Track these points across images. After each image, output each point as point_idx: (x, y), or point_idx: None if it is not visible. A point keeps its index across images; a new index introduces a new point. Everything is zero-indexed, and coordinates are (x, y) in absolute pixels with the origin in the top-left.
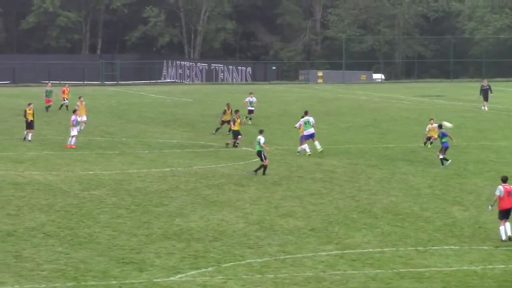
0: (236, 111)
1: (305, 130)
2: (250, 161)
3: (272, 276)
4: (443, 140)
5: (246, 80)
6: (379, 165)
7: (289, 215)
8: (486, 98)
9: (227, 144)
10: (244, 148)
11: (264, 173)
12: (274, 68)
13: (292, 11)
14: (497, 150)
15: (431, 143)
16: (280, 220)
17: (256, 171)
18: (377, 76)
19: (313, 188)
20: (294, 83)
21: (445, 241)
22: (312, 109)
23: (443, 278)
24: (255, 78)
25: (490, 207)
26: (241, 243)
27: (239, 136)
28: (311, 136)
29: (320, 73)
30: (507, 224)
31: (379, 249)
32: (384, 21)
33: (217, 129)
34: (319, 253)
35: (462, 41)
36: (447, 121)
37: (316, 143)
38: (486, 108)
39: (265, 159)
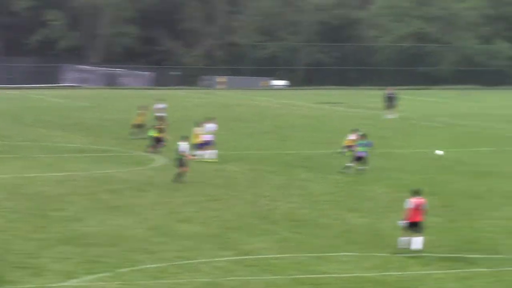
0: (161, 118)
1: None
2: (149, 166)
3: (169, 281)
4: (360, 149)
5: (148, 85)
6: (279, 171)
7: (187, 220)
8: (391, 106)
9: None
10: (143, 154)
11: (176, 180)
12: (176, 73)
13: (195, 17)
14: (397, 158)
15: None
16: (178, 226)
17: (176, 179)
18: (280, 83)
19: (213, 194)
20: (196, 88)
21: (343, 247)
22: (214, 115)
23: (340, 284)
24: (157, 83)
25: (401, 222)
26: (139, 248)
27: (161, 143)
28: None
29: (222, 79)
30: (418, 238)
31: (277, 255)
32: (286, 28)
33: (134, 133)
34: (217, 259)
35: (363, 48)
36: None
37: (208, 152)
38: (391, 116)
39: (183, 166)
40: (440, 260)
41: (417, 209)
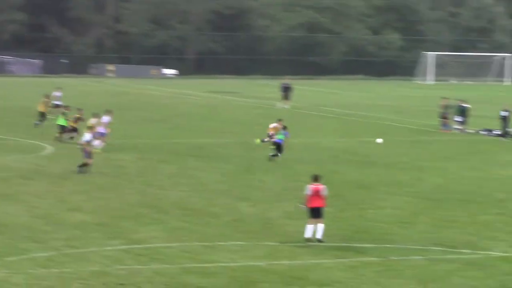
0: (80, 110)
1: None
2: (39, 154)
3: (57, 270)
4: (278, 136)
5: (37, 72)
6: (168, 160)
7: (76, 209)
8: (286, 96)
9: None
10: (32, 142)
11: (80, 170)
12: (64, 61)
13: (84, 4)
14: (288, 147)
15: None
16: (66, 214)
17: (80, 169)
18: (169, 72)
19: (102, 182)
20: (85, 76)
21: (232, 236)
22: (103, 104)
23: (229, 273)
24: (46, 71)
25: (301, 205)
26: (26, 237)
27: (75, 133)
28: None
29: (111, 67)
30: (319, 225)
31: (166, 244)
32: (176, 16)
33: (39, 120)
34: (106, 248)
35: (254, 38)
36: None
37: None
38: (286, 106)
39: (88, 156)
40: (330, 249)
41: (315, 195)
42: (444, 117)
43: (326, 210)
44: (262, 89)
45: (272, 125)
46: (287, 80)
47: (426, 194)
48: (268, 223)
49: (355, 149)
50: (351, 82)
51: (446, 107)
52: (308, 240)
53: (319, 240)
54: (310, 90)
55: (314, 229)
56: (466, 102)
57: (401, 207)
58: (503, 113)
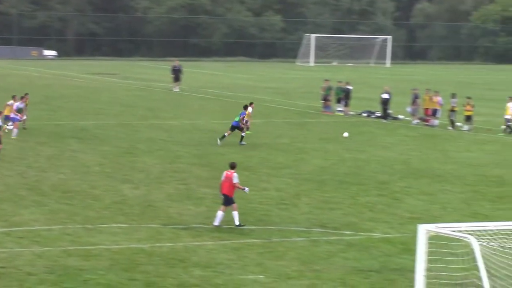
0: (26, 94)
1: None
2: None
3: None
4: (236, 119)
5: None
6: (49, 142)
7: None
8: (177, 79)
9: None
10: None
11: None
12: None
13: None
14: (168, 129)
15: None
16: None
17: None
18: (50, 53)
19: None
20: None
21: (114, 219)
22: None
23: (111, 255)
24: None
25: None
26: None
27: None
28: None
29: None
30: (233, 213)
31: (47, 227)
32: None
33: None
34: None
35: (135, 19)
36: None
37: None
38: (177, 89)
39: None
40: (213, 231)
41: (227, 182)
42: (325, 99)
43: (208, 192)
44: (143, 70)
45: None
46: (177, 63)
47: (308, 175)
48: (150, 206)
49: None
50: (233, 64)
51: (327, 89)
52: (216, 227)
53: (239, 225)
54: (192, 72)
55: (234, 217)
56: (349, 84)
57: (283, 189)
58: (384, 96)
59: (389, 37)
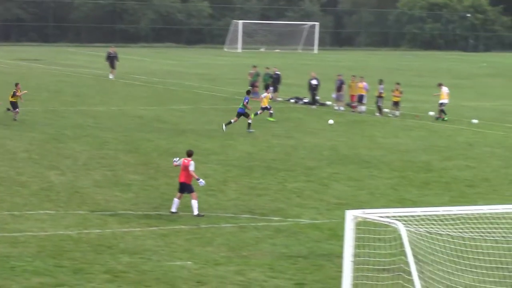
0: (16, 84)
1: None
2: None
3: None
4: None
5: None
6: None
7: None
8: (112, 66)
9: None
10: None
11: None
12: None
13: None
14: (94, 115)
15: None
16: None
17: None
18: None
19: None
20: None
21: (41, 205)
22: None
23: (38, 242)
24: None
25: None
26: None
27: (17, 109)
28: None
29: None
30: (192, 201)
31: None
32: None
33: None
34: None
35: (61, 5)
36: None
37: None
38: (112, 77)
39: None
40: (140, 218)
41: (184, 170)
42: (253, 85)
43: (135, 179)
44: (70, 56)
45: (265, 95)
46: (112, 49)
47: (236, 162)
48: (77, 192)
49: (165, 117)
50: (161, 50)
51: (255, 75)
52: (173, 213)
53: (197, 215)
54: (120, 58)
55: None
56: (277, 70)
57: (211, 175)
58: (313, 82)
59: (317, 23)
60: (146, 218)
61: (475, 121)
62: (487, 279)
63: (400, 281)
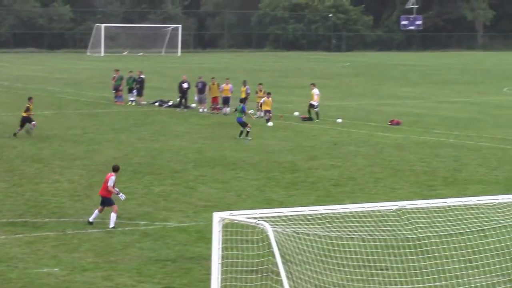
0: (30, 99)
1: None
2: None
3: None
4: (238, 115)
5: None
6: None
7: None
8: None
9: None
10: None
11: None
12: None
13: None
14: None
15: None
16: None
17: None
18: None
19: None
20: None
21: None
22: None
23: None
24: None
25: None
26: None
27: (34, 122)
28: None
29: None
30: (111, 214)
31: None
32: None
33: None
34: None
35: None
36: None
37: None
38: None
39: None
40: (5, 225)
41: (104, 183)
42: (117, 89)
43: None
44: None
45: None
46: None
47: (101, 166)
48: None
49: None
50: (22, 55)
51: (118, 79)
52: (89, 223)
53: (113, 227)
54: None
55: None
56: (142, 73)
57: (76, 180)
58: (185, 85)
59: (179, 26)
60: (11, 226)
61: (339, 120)
62: (355, 277)
63: (268, 282)
